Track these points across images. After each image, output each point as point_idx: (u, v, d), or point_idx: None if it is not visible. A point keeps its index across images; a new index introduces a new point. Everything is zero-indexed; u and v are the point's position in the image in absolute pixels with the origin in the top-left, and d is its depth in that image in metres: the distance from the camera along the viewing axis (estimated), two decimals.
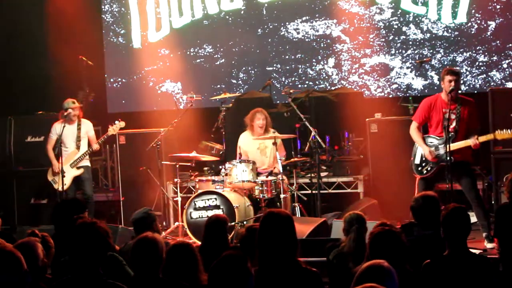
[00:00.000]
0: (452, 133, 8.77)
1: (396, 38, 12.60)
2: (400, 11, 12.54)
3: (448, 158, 8.59)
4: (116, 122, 10.80)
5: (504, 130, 8.76)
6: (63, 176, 10.40)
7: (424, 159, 9.05)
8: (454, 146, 8.71)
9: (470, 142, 8.68)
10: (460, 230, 5.51)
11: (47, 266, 5.38)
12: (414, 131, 9.21)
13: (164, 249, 5.11)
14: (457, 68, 11.57)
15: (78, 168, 10.81)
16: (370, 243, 5.10)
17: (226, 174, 10.14)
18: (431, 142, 9.03)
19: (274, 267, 4.70)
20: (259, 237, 4.83)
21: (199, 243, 9.09)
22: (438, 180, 9.00)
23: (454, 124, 8.81)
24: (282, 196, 9.97)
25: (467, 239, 5.58)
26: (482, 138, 8.72)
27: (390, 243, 5.02)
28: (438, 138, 8.94)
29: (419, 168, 9.07)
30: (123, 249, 6.82)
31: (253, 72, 13.28)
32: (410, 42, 12.54)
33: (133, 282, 5.01)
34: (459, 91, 9.12)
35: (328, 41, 12.89)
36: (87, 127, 10.97)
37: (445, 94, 8.89)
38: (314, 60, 12.98)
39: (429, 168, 8.97)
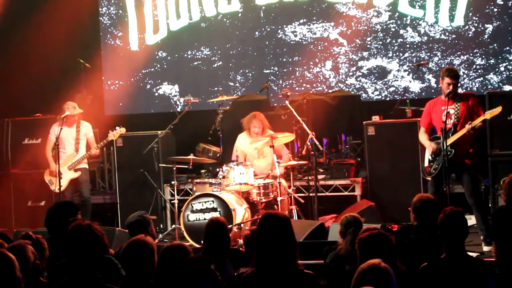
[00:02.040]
0: (452, 128, 8.78)
1: (394, 41, 12.61)
2: (397, 14, 12.55)
3: (445, 153, 8.59)
4: (117, 128, 10.79)
5: (493, 109, 8.76)
6: (60, 178, 10.40)
7: (431, 159, 9.08)
8: (452, 138, 8.72)
9: (464, 129, 8.69)
10: (457, 233, 5.52)
11: (42, 269, 5.36)
12: (420, 135, 9.30)
13: (155, 252, 5.10)
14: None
15: (76, 170, 10.80)
16: (359, 246, 5.09)
17: (224, 177, 10.14)
18: (438, 142, 9.04)
19: (271, 269, 4.70)
20: (257, 239, 4.83)
21: (196, 245, 9.10)
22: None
23: (453, 119, 8.82)
24: (279, 198, 9.96)
25: (464, 242, 5.58)
26: (474, 122, 8.70)
27: (379, 246, 5.00)
28: (440, 136, 8.95)
29: (428, 169, 9.10)
30: (119, 253, 6.81)
31: (250, 74, 13.28)
32: (408, 45, 12.55)
33: (123, 285, 5.00)
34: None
35: (326, 43, 12.89)
36: (86, 129, 10.97)
37: (444, 94, 8.91)
38: (311, 63, 12.97)
39: (436, 167, 8.97)
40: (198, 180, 10.71)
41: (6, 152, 11.86)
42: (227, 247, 6.63)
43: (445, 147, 8.63)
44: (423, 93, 12.27)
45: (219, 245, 6.47)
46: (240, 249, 8.38)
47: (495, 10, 12.15)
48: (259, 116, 10.63)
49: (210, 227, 6.66)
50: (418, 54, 12.49)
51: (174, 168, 10.73)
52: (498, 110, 8.72)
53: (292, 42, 13.05)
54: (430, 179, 9.09)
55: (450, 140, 8.72)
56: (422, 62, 12.06)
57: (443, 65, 12.20)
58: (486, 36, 12.21)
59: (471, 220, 9.18)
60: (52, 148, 10.76)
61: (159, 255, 5.09)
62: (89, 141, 10.96)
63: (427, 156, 9.18)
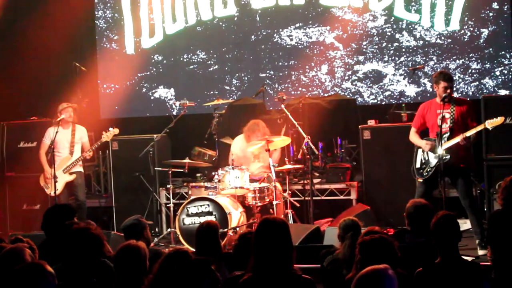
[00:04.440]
0: (447, 132, 8.77)
1: (389, 45, 12.62)
2: (393, 18, 12.56)
3: (441, 157, 8.59)
4: (110, 129, 10.78)
5: (494, 118, 8.75)
6: (55, 181, 10.38)
7: (423, 161, 9.07)
8: (447, 144, 8.71)
9: (458, 138, 8.68)
10: (450, 237, 5.53)
11: None
12: (412, 135, 9.29)
13: (147, 257, 5.09)
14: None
15: (71, 173, 10.78)
16: (360, 250, 5.07)
17: (219, 181, 10.14)
18: (431, 140, 9.04)
19: (269, 274, 4.69)
20: (255, 244, 4.82)
21: (192, 249, 9.09)
22: (437, 186, 8.95)
23: (448, 123, 8.82)
24: (274, 202, 9.96)
25: (458, 246, 5.58)
26: (470, 131, 8.68)
27: (381, 250, 4.99)
28: (434, 139, 8.95)
29: (420, 171, 9.09)
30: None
31: (246, 78, 13.27)
32: (403, 49, 12.55)
33: None
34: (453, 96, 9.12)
35: (321, 47, 12.90)
36: (81, 133, 10.95)
37: (439, 98, 8.91)
38: (307, 67, 12.97)
39: (428, 169, 8.97)
40: (193, 184, 10.71)
41: (2, 155, 11.85)
42: (219, 251, 6.62)
43: (440, 151, 8.64)
44: (419, 97, 12.27)
45: (210, 248, 6.47)
46: None
47: (491, 14, 12.16)
48: (262, 128, 10.57)
49: (200, 230, 6.67)
50: (413, 58, 12.50)
51: (170, 172, 10.74)
52: (500, 121, 8.70)
53: (288, 46, 13.05)
54: (421, 180, 9.08)
55: (445, 145, 8.70)
56: (417, 66, 12.07)
57: (438, 69, 12.16)
58: (481, 41, 12.23)
59: (466, 224, 9.18)
60: (47, 151, 10.74)
61: (162, 260, 5.07)
62: (84, 145, 10.94)
63: (419, 157, 9.17)
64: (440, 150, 8.68)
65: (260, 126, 10.60)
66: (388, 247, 4.98)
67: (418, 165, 9.14)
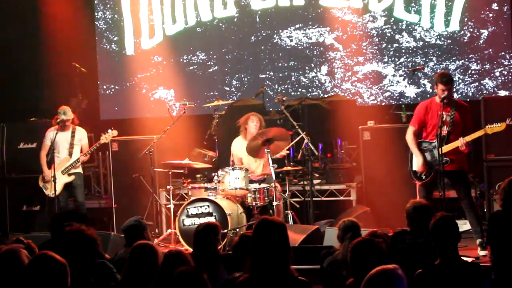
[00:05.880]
0: (445, 135, 8.74)
1: (389, 46, 12.63)
2: (393, 19, 12.57)
3: (440, 161, 8.56)
4: (109, 130, 10.76)
5: (494, 124, 8.72)
6: (54, 183, 10.37)
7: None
8: (445, 148, 8.66)
9: (458, 142, 8.65)
10: (449, 238, 5.52)
11: None
12: (410, 137, 9.16)
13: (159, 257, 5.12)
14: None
15: (70, 175, 10.77)
16: (350, 253, 5.04)
17: (219, 181, 10.13)
18: (425, 147, 9.02)
19: (265, 276, 4.68)
20: (252, 245, 4.81)
21: (191, 250, 9.09)
22: (437, 186, 8.92)
23: (448, 126, 8.78)
24: (274, 203, 9.96)
25: (457, 247, 5.58)
26: (470, 137, 8.65)
27: (369, 253, 4.96)
28: (431, 142, 8.93)
29: (418, 174, 9.05)
30: (113, 259, 6.79)
31: (246, 79, 13.28)
32: (403, 50, 12.56)
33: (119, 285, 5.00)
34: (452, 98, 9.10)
35: (321, 48, 12.91)
36: (81, 135, 10.93)
37: (439, 98, 8.87)
38: (307, 68, 12.98)
39: (427, 173, 8.95)
40: (193, 185, 10.70)
41: (1, 157, 11.83)
42: (216, 252, 6.61)
43: (440, 154, 8.60)
44: (419, 98, 12.25)
45: (207, 249, 6.47)
46: None
47: (490, 15, 12.17)
48: (257, 115, 10.63)
49: (198, 231, 6.66)
50: (413, 59, 12.51)
51: (170, 173, 10.72)
52: (501, 127, 8.68)
53: (287, 47, 13.06)
54: (420, 183, 9.06)
55: (445, 149, 8.65)
56: (417, 67, 12.07)
57: (438, 70, 12.19)
58: (481, 41, 12.24)
59: (466, 225, 9.18)
60: (48, 152, 10.74)
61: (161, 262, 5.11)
62: (83, 147, 10.92)
63: (416, 160, 9.11)
64: (439, 153, 8.66)
65: (256, 115, 10.59)
66: (375, 249, 4.94)
67: (415, 167, 9.10)
